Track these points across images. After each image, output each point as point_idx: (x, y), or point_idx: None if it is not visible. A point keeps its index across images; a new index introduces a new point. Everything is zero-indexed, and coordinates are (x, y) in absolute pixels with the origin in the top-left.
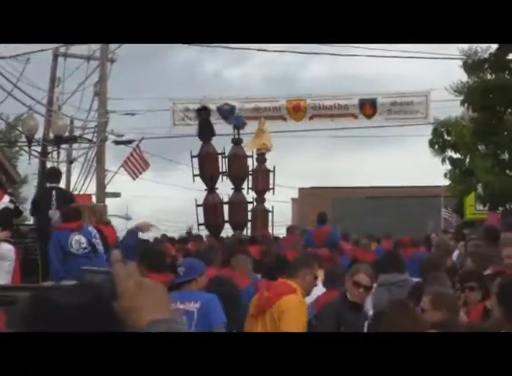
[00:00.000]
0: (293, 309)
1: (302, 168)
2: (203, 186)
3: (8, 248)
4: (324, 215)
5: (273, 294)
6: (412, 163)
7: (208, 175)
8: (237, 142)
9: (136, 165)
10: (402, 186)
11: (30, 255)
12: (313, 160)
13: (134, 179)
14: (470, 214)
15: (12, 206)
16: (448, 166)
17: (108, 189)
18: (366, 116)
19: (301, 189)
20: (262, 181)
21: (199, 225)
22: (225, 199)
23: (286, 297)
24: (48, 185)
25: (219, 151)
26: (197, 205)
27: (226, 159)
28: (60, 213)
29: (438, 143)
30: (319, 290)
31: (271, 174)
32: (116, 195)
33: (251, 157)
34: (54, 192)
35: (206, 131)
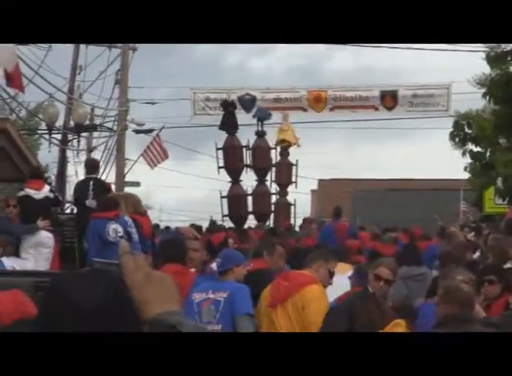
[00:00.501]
0: (318, 299)
1: (322, 159)
2: (225, 177)
3: (47, 236)
4: (339, 209)
5: (294, 283)
6: (432, 156)
7: (232, 167)
8: (261, 134)
9: (156, 154)
10: (421, 179)
11: (67, 243)
12: (333, 151)
13: (152, 168)
14: (489, 207)
15: (51, 195)
16: (468, 159)
17: (127, 178)
18: (387, 108)
19: (320, 181)
20: (285, 174)
21: (223, 216)
22: (249, 191)
23: (310, 287)
24: (86, 175)
25: (243, 143)
26: (222, 197)
27: (250, 151)
28: (98, 202)
29: (459, 136)
30: (344, 286)
31: (293, 167)
32: (135, 184)
33: (275, 149)
34: (92, 182)
35: (231, 125)
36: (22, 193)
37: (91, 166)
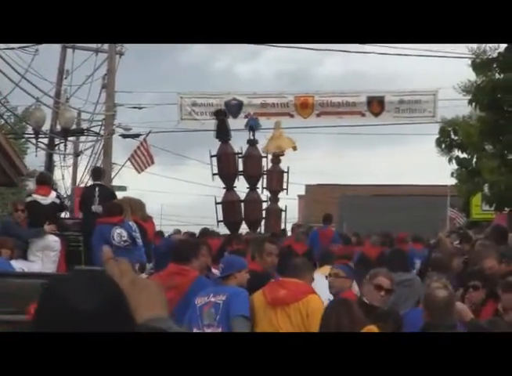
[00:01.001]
0: (320, 309)
1: (309, 165)
2: (217, 183)
3: (54, 240)
4: (329, 215)
5: (297, 290)
6: (419, 162)
7: (226, 174)
8: (252, 143)
9: (142, 159)
10: (408, 185)
11: (73, 246)
12: (320, 157)
13: (139, 173)
14: (476, 214)
15: (58, 201)
16: (455, 165)
17: (114, 183)
18: (374, 114)
19: (307, 186)
20: (277, 181)
21: (218, 222)
22: (241, 197)
23: (313, 296)
24: (91, 182)
25: (236, 151)
26: (216, 203)
27: (242, 159)
28: (103, 208)
29: (445, 142)
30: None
31: (284, 174)
32: (122, 188)
33: (266, 157)
34: (97, 189)
35: (223, 133)
36: (30, 199)
37: (97, 173)
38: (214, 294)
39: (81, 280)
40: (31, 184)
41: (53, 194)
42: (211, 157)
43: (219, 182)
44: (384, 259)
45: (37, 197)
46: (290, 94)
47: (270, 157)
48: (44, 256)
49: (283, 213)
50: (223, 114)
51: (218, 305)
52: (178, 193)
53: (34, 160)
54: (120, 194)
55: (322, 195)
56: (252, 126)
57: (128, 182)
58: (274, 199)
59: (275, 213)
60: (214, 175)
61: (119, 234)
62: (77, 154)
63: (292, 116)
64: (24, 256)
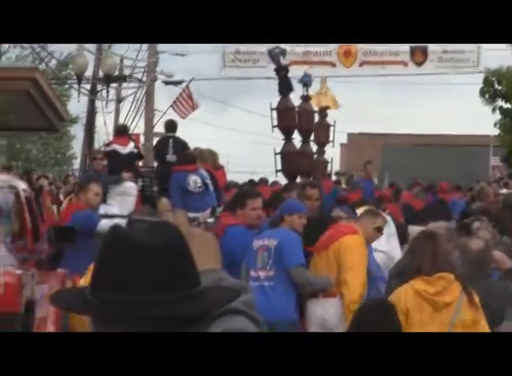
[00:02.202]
0: (354, 246)
1: (351, 113)
2: (254, 130)
3: (131, 186)
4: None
5: (336, 232)
6: (461, 111)
7: (286, 126)
8: (306, 98)
9: (185, 105)
10: (451, 135)
11: (147, 192)
12: (363, 106)
13: (183, 119)
14: None
15: (135, 151)
16: (498, 115)
17: (156, 130)
18: (417, 63)
19: (350, 135)
20: (324, 135)
21: (276, 171)
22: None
23: (348, 236)
24: (166, 134)
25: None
26: (275, 153)
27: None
28: (178, 157)
29: (489, 92)
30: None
31: (331, 128)
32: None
33: (316, 112)
34: (171, 140)
35: (285, 87)
36: (109, 149)
37: (170, 126)
38: (268, 238)
39: (145, 222)
40: (73, 130)
41: (131, 144)
42: (272, 109)
43: (257, 129)
44: (427, 210)
45: (116, 146)
46: (334, 42)
47: (318, 111)
48: (122, 200)
49: (329, 164)
50: (285, 70)
51: (270, 251)
52: (220, 140)
53: (76, 106)
54: None
55: (365, 144)
56: (306, 82)
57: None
58: (321, 151)
59: (322, 165)
60: (273, 127)
61: (194, 181)
62: (119, 101)
63: (334, 65)
64: (104, 201)
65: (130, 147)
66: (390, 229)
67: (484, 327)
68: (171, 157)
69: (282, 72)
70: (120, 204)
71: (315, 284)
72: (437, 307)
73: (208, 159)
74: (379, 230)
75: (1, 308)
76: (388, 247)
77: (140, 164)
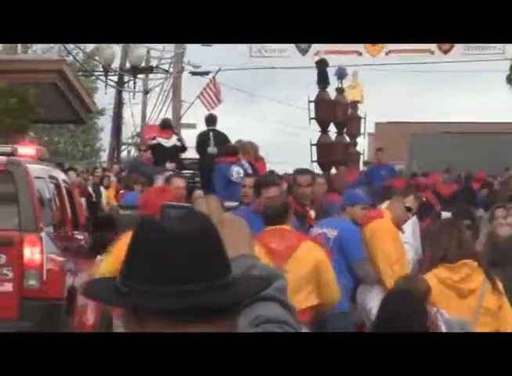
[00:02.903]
0: (380, 230)
1: (379, 102)
2: (282, 120)
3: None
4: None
5: (367, 217)
6: (488, 98)
7: (322, 119)
8: (340, 91)
9: (212, 96)
10: (478, 122)
11: (190, 183)
12: (390, 94)
13: (209, 111)
14: None
15: (179, 144)
16: None
17: (183, 121)
18: (443, 51)
19: (377, 124)
20: (356, 127)
21: (312, 162)
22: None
23: (376, 220)
24: (206, 128)
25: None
26: (311, 144)
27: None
28: (220, 150)
29: None
30: None
31: (362, 120)
32: (191, 126)
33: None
34: (212, 133)
35: (323, 80)
36: (154, 142)
37: (211, 120)
38: (327, 227)
39: (175, 210)
40: (100, 122)
41: (174, 138)
42: (309, 102)
43: (285, 119)
44: (456, 197)
45: (160, 139)
46: None
47: (350, 104)
48: None
49: (361, 156)
50: (325, 64)
51: (329, 240)
52: (247, 130)
53: (103, 97)
54: (189, 132)
55: (392, 133)
56: (340, 75)
57: (197, 119)
58: (353, 143)
59: (355, 157)
60: (311, 119)
61: (237, 171)
62: (146, 92)
63: (360, 54)
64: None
65: (173, 140)
66: (415, 226)
67: (508, 312)
68: (212, 149)
69: (321, 66)
70: None
71: (375, 279)
72: (462, 294)
73: (250, 151)
74: (409, 210)
75: (45, 294)
76: (414, 243)
77: (183, 156)
